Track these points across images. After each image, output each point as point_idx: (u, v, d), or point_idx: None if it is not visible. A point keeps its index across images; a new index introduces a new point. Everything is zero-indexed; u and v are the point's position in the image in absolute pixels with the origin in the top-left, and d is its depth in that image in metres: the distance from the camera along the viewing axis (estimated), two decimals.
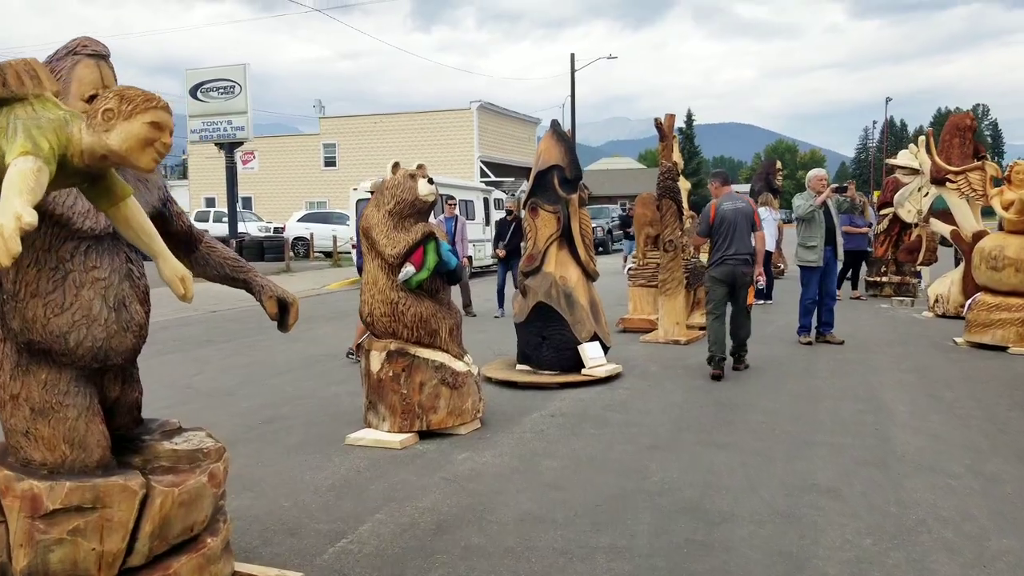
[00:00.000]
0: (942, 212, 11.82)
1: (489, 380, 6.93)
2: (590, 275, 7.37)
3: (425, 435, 5.25)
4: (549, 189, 7.21)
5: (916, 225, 13.64)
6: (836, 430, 5.45)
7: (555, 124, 7.37)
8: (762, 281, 7.57)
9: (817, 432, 5.39)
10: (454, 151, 34.18)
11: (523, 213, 7.57)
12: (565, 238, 7.28)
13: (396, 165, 5.35)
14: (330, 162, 35.90)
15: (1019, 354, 8.17)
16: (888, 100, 68.99)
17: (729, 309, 7.50)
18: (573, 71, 36.93)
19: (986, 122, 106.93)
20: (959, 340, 8.83)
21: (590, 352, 6.95)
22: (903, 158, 13.65)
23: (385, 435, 5.14)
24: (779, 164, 17.94)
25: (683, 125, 68.27)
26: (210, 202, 35.65)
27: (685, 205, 11.93)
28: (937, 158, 9.97)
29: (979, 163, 9.16)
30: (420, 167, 5.43)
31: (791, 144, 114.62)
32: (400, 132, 34.93)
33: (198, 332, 10.77)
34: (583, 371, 6.91)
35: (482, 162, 34.83)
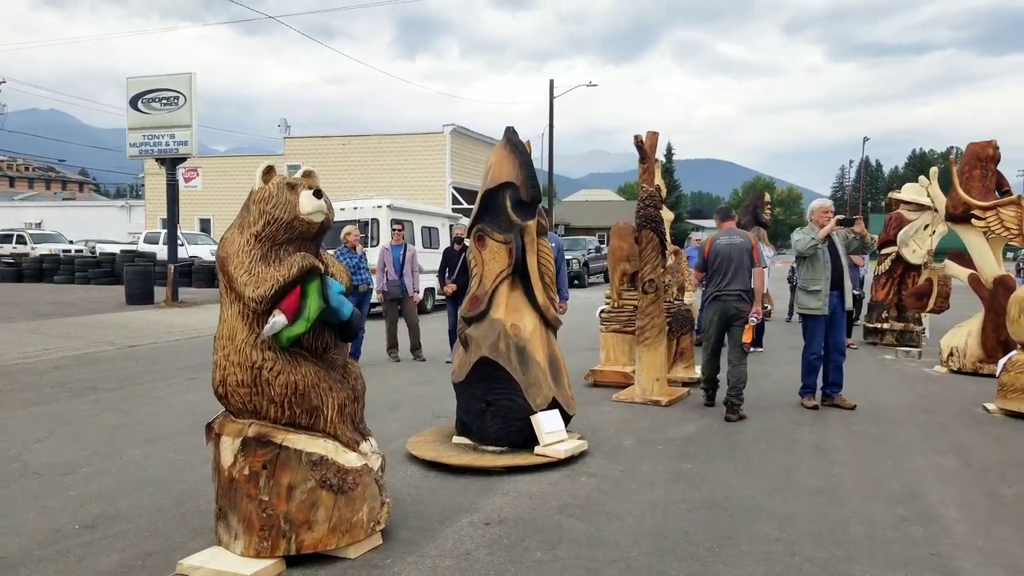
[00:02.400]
0: (956, 253, 10.48)
1: (414, 459, 5.34)
2: (550, 323, 5.83)
3: (295, 561, 3.63)
4: (500, 213, 5.69)
5: (923, 267, 12.33)
6: (879, 555, 3.90)
7: (510, 132, 5.86)
8: (757, 317, 7.13)
9: (855, 560, 3.84)
10: (425, 176, 32.71)
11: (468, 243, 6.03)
12: (519, 275, 5.75)
13: (269, 170, 3.78)
14: None
15: None
16: (866, 140, 69.06)
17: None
18: (552, 97, 35.82)
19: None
20: (991, 407, 7.38)
21: (546, 424, 5.38)
22: (909, 192, 12.35)
23: (233, 562, 3.50)
24: (767, 196, 16.67)
25: (663, 158, 67.64)
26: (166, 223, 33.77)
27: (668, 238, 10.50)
28: (961, 191, 8.61)
29: (1015, 197, 7.80)
30: (308, 174, 3.88)
31: (768, 181, 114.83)
32: (368, 155, 33.42)
33: (87, 375, 9.04)
34: (537, 449, 5.34)
35: (454, 188, 33.39)
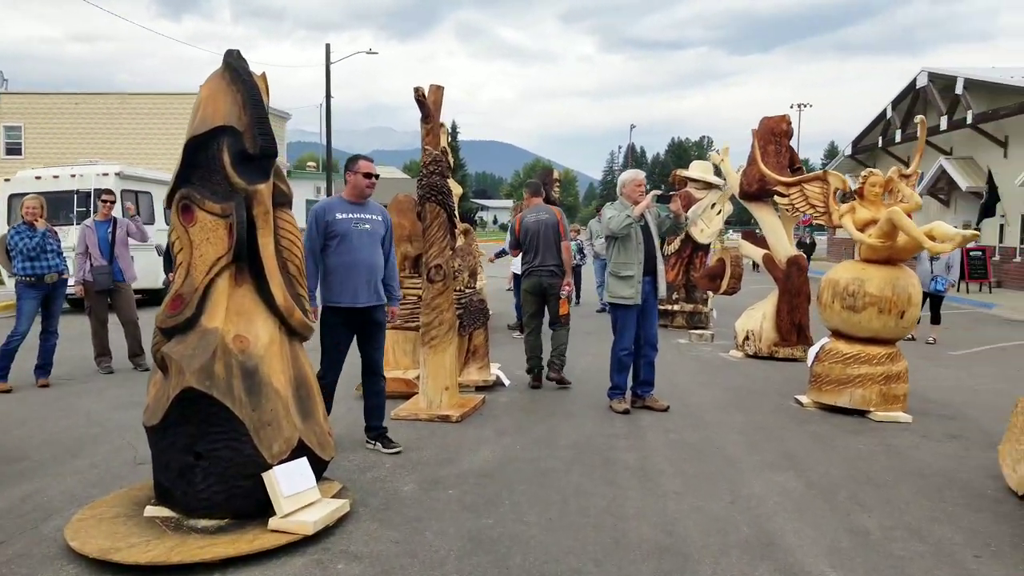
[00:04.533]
0: (750, 233, 10.11)
1: (75, 554, 3.42)
2: (297, 331, 4.12)
3: None
4: (214, 172, 3.88)
5: (712, 247, 12.02)
6: None
7: (230, 57, 4.01)
8: (568, 290, 7.22)
9: None
10: (175, 143, 28.74)
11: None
12: (248, 264, 3.98)
13: None
14: (13, 149, 28.60)
15: (885, 421, 6.24)
16: (632, 127, 72.99)
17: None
18: (328, 63, 33.08)
19: (709, 152, 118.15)
20: (805, 401, 6.78)
21: (286, 483, 3.69)
22: (696, 170, 11.97)
23: None
24: (556, 174, 15.87)
25: (448, 138, 66.80)
26: None
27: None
28: (763, 166, 8.01)
29: (820, 173, 7.25)
30: None
31: (547, 164, 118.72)
32: (106, 116, 28.69)
33: None
34: (272, 523, 3.63)
35: None
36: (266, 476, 3.67)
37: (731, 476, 4.81)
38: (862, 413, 6.39)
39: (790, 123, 8.92)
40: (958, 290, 18.31)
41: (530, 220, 7.27)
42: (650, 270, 6.30)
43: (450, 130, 65.28)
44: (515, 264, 10.46)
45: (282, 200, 4.24)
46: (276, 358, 3.95)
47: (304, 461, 3.84)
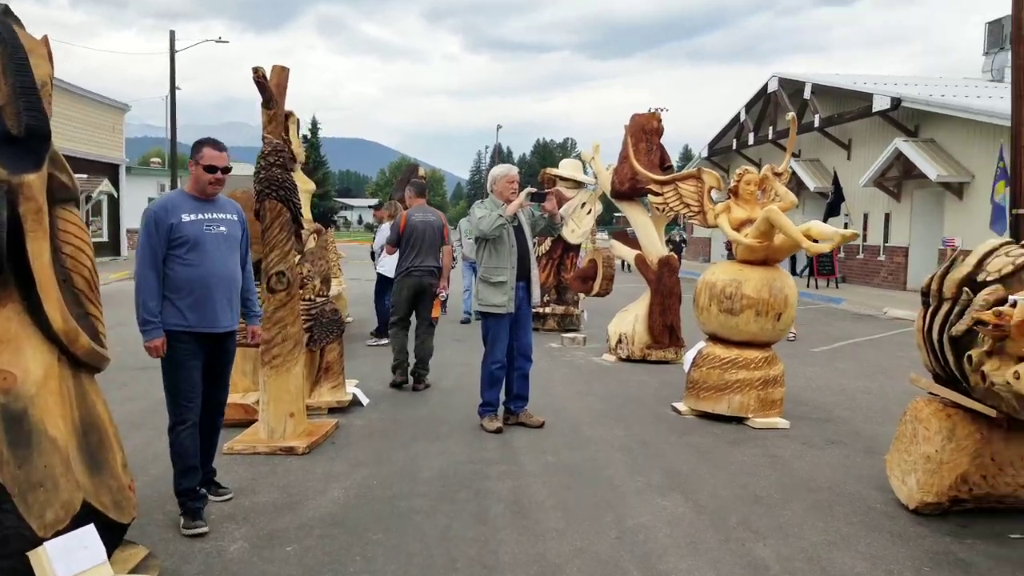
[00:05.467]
0: (621, 233, 9.84)
1: None
2: (84, 362, 3.23)
3: None
4: None
5: (583, 247, 11.72)
6: None
7: None
8: (445, 293, 7.34)
9: None
10: None
11: None
12: (15, 278, 3.06)
13: None
14: None
15: (764, 428, 6.01)
16: (499, 128, 73.19)
17: None
18: (173, 51, 30.63)
19: (573, 154, 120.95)
20: (682, 408, 6.48)
21: (59, 564, 2.82)
22: (566, 168, 11.64)
23: None
24: (421, 171, 15.16)
25: (308, 133, 64.13)
26: None
27: (307, 214, 8.22)
28: (637, 164, 7.68)
29: (695, 171, 6.99)
30: None
31: (413, 163, 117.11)
32: None
33: None
34: None
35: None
36: (33, 555, 2.79)
37: (615, 504, 4.33)
38: (740, 420, 6.15)
39: (660, 120, 8.69)
40: (808, 286, 19.17)
41: (418, 219, 7.27)
42: (524, 274, 5.75)
43: (310, 126, 62.81)
44: (383, 264, 9.64)
45: (64, 196, 3.34)
46: (53, 398, 3.06)
47: (89, 530, 2.98)
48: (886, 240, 19.97)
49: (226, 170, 3.92)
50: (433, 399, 6.82)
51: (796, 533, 3.96)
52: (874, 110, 18.49)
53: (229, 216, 4.01)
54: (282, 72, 5.60)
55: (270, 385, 5.25)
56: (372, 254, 10.27)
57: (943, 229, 17.50)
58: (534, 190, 5.78)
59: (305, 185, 8.73)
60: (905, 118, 18.34)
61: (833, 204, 20.34)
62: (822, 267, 19.93)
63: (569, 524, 4.02)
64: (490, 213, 5.57)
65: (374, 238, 10.24)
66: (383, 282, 9.68)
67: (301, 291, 6.01)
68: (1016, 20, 10.87)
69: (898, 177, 18.70)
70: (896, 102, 17.72)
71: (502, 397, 5.96)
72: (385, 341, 9.59)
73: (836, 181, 20.54)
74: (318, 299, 6.18)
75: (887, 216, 19.62)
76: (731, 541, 3.85)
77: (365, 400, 6.51)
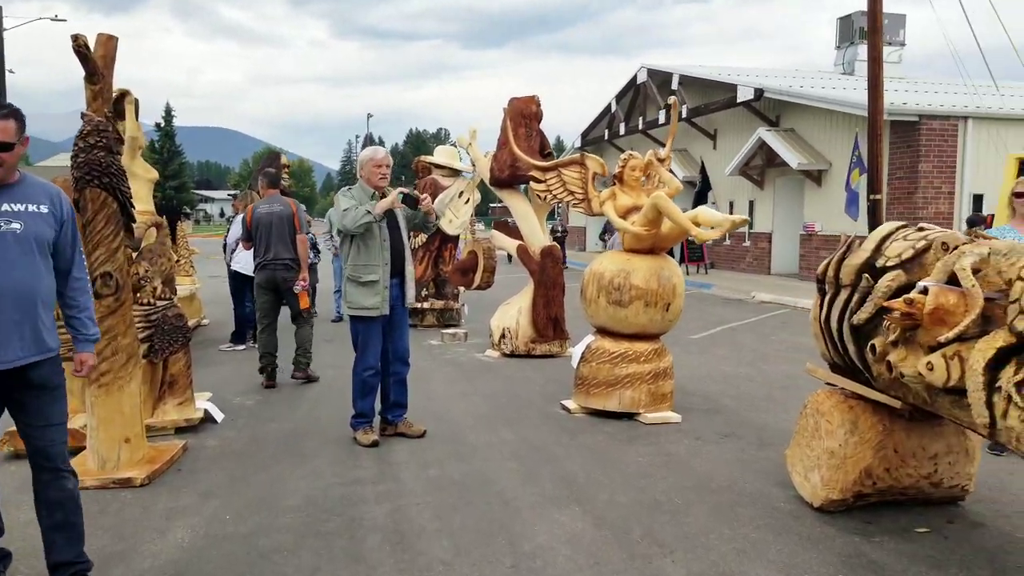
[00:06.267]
0: (502, 223, 9.43)
1: None
2: None
3: None
4: None
5: (462, 238, 11.23)
6: None
7: None
8: (303, 285, 7.01)
9: None
10: None
11: None
12: None
13: None
14: None
15: (656, 423, 5.75)
16: (370, 116, 71.44)
17: None
18: (0, 30, 27.45)
19: (449, 142, 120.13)
20: (572, 406, 6.13)
21: None
22: (441, 155, 11.09)
23: None
24: (284, 159, 14.16)
25: (161, 121, 60.02)
26: None
27: (144, 203, 7.27)
28: (518, 150, 7.25)
29: (578, 156, 6.63)
30: None
31: (275, 151, 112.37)
32: None
33: None
34: None
35: None
36: None
37: (508, 523, 3.87)
38: (631, 416, 5.87)
39: (539, 104, 8.31)
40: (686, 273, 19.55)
41: (262, 211, 6.98)
42: (398, 271, 5.18)
43: (164, 113, 58.84)
44: (237, 260, 8.72)
45: None
46: None
47: None
48: (751, 227, 20.72)
49: (5, 147, 2.91)
50: (299, 410, 6.13)
51: (703, 544, 3.65)
52: (738, 100, 19.04)
53: (33, 207, 2.97)
54: (108, 42, 4.76)
55: (99, 407, 4.43)
56: (224, 247, 9.21)
57: (803, 215, 18.28)
58: (406, 191, 5.20)
59: (147, 174, 7.73)
60: (767, 109, 19.01)
61: (701, 192, 20.87)
62: (692, 254, 20.42)
63: (458, 553, 3.53)
64: (356, 207, 4.95)
65: (227, 230, 9.25)
66: (238, 280, 8.75)
67: (138, 294, 5.19)
68: (871, 13, 11.32)
69: (761, 165, 19.38)
70: (759, 93, 18.31)
71: (377, 406, 5.38)
72: (243, 347, 8.74)
73: (703, 170, 21.09)
74: (159, 303, 5.35)
75: (751, 203, 20.33)
76: (637, 558, 3.49)
77: (219, 416, 5.75)
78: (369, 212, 4.93)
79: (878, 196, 11.37)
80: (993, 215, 7.25)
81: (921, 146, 14.80)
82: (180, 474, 4.61)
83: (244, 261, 8.54)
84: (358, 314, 5.05)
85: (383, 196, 5.13)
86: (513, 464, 4.81)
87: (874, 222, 11.01)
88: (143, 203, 7.14)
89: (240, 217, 8.90)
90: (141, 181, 7.54)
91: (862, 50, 20.49)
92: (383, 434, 5.34)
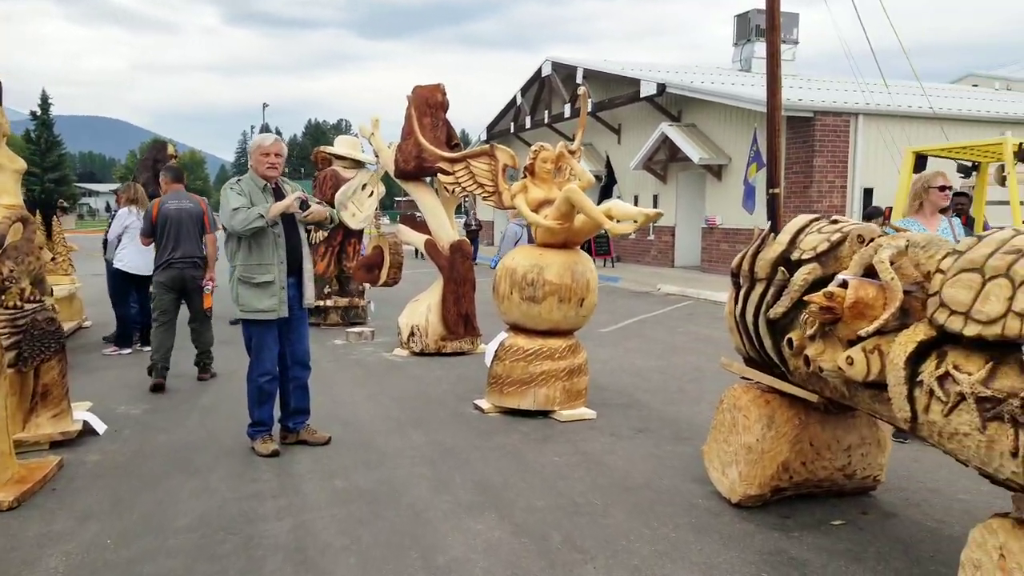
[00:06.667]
0: (409, 217, 9.12)
1: None
2: None
3: None
4: None
5: (367, 232, 10.84)
6: None
7: None
8: (212, 285, 6.81)
9: None
10: None
11: None
12: None
13: None
14: None
15: (571, 421, 5.64)
16: (265, 106, 69.07)
17: None
18: None
19: (353, 132, 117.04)
20: (485, 406, 5.94)
21: None
22: (343, 146, 10.66)
23: None
24: (171, 148, 13.33)
25: (37, 110, 56.10)
26: None
27: (11, 196, 6.58)
28: (424, 140, 6.97)
29: (487, 147, 6.43)
30: None
31: (162, 141, 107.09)
32: None
33: None
34: None
35: None
36: None
37: (421, 535, 3.64)
38: (546, 414, 5.73)
39: (445, 93, 8.05)
40: None
41: (171, 207, 6.75)
42: (295, 270, 4.83)
43: (40, 101, 55.03)
44: (120, 258, 7.98)
45: None
46: None
47: None
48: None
49: None
50: (191, 419, 5.68)
51: (624, 547, 3.53)
52: (642, 95, 19.31)
53: None
54: None
55: None
56: (105, 244, 8.38)
57: (705, 208, 18.73)
58: (304, 196, 4.83)
59: (12, 163, 6.97)
60: (669, 104, 19.36)
61: (607, 187, 21.09)
62: (599, 247, 20.61)
63: (366, 571, 3.27)
64: (247, 207, 4.56)
65: (109, 225, 8.49)
66: (120, 279, 8.03)
67: (2, 297, 4.64)
68: (769, 10, 11.60)
69: (664, 160, 19.73)
70: (661, 88, 18.62)
71: (277, 413, 5.03)
72: (129, 350, 8.11)
73: (609, 164, 21.31)
74: (28, 306, 4.80)
75: (655, 197, 20.69)
76: (557, 567, 3.33)
77: (101, 427, 5.25)
78: (262, 216, 4.56)
79: (777, 190, 11.68)
80: (891, 208, 7.51)
81: (816, 141, 15.38)
82: (55, 494, 4.14)
83: (130, 259, 7.91)
84: (252, 317, 4.68)
85: (275, 188, 4.78)
86: (425, 470, 4.57)
87: (773, 216, 11.31)
88: (10, 196, 6.44)
89: (125, 210, 8.23)
90: (7, 172, 6.81)
91: (758, 47, 21.21)
92: (284, 443, 5.00)
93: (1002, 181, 6.78)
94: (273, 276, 4.64)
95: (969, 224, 6.63)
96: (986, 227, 6.59)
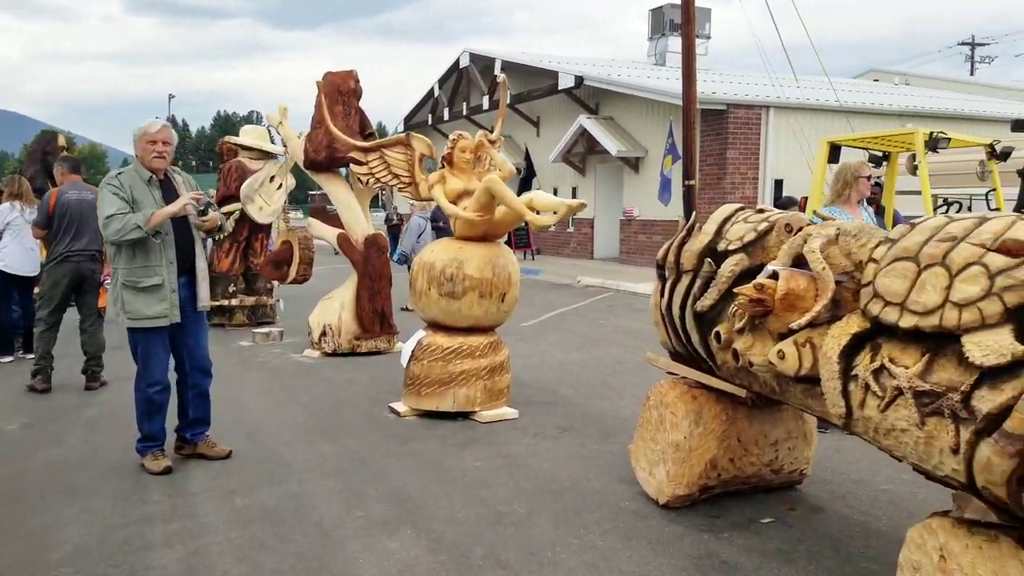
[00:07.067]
0: (320, 210, 8.68)
1: None
2: None
3: None
4: None
5: (275, 227, 10.33)
6: None
7: None
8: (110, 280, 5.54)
9: None
10: None
11: None
12: None
13: None
14: None
15: (493, 421, 5.40)
16: (171, 97, 66.28)
17: None
18: None
19: (265, 123, 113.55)
20: (401, 409, 5.64)
21: None
22: (249, 136, 10.10)
23: None
24: (62, 140, 12.40)
25: None
26: None
27: None
28: (335, 129, 6.58)
29: (402, 136, 6.11)
30: None
31: (51, 131, 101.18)
32: None
33: None
34: None
35: None
36: None
37: (330, 559, 3.33)
38: (466, 415, 5.48)
39: (358, 80, 7.67)
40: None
41: (71, 198, 6.35)
42: (186, 268, 4.40)
43: None
44: (3, 257, 7.23)
45: None
46: None
47: None
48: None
49: None
50: (74, 435, 5.16)
51: (551, 560, 3.32)
52: (560, 88, 19.23)
53: None
54: None
55: None
56: None
57: (623, 200, 18.82)
58: (200, 195, 4.38)
59: None
60: (587, 96, 19.35)
61: (526, 179, 20.95)
62: (519, 239, 20.45)
63: None
64: (124, 214, 4.09)
65: None
66: (0, 280, 7.32)
67: None
68: (685, 4, 11.63)
69: (583, 152, 19.73)
70: (579, 80, 18.57)
71: (171, 425, 4.60)
72: (9, 358, 7.42)
73: (528, 157, 21.17)
74: None
75: (574, 190, 20.67)
76: None
77: None
78: (140, 227, 4.10)
79: (692, 182, 11.76)
80: (806, 198, 7.56)
81: (729, 134, 15.61)
82: None
83: (12, 259, 7.21)
84: (140, 325, 4.23)
85: (162, 181, 4.34)
86: (335, 483, 4.24)
87: (688, 207, 11.37)
88: None
89: (6, 205, 7.49)
90: None
91: (672, 42, 21.44)
92: (180, 453, 4.58)
93: (913, 171, 6.90)
94: (162, 278, 4.20)
95: (880, 213, 6.72)
96: (896, 216, 6.69)
